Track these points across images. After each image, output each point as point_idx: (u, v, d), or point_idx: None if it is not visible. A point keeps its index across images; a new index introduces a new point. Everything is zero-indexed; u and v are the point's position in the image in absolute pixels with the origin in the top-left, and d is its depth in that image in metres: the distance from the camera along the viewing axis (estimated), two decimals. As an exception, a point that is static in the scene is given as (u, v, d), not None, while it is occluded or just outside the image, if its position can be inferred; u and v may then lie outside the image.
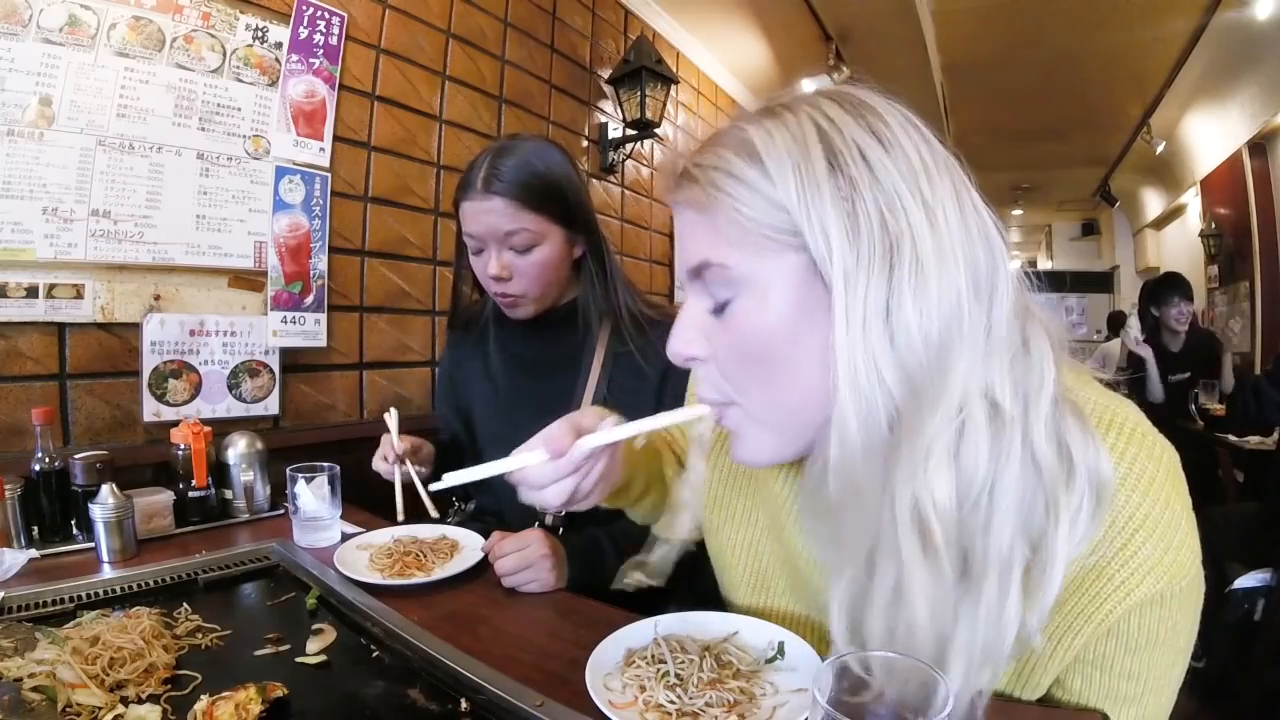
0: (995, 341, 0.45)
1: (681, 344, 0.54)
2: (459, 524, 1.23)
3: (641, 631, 0.68)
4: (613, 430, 0.60)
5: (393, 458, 1.07)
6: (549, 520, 1.10)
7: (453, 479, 0.61)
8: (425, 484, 1.05)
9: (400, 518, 1.06)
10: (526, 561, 0.88)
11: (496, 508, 1.21)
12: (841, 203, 0.46)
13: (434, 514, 1.04)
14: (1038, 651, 0.50)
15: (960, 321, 0.45)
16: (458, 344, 1.31)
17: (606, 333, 1.14)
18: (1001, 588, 0.43)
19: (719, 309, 0.51)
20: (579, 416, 0.62)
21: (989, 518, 0.44)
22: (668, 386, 1.10)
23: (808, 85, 3.49)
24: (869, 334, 0.45)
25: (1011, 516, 0.44)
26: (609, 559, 0.95)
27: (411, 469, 1.07)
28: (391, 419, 1.11)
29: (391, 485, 1.09)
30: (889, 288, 0.45)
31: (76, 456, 1.07)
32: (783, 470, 0.68)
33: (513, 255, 1.06)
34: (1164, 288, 3.20)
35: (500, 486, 1.18)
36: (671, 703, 0.57)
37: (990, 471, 0.44)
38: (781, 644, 0.65)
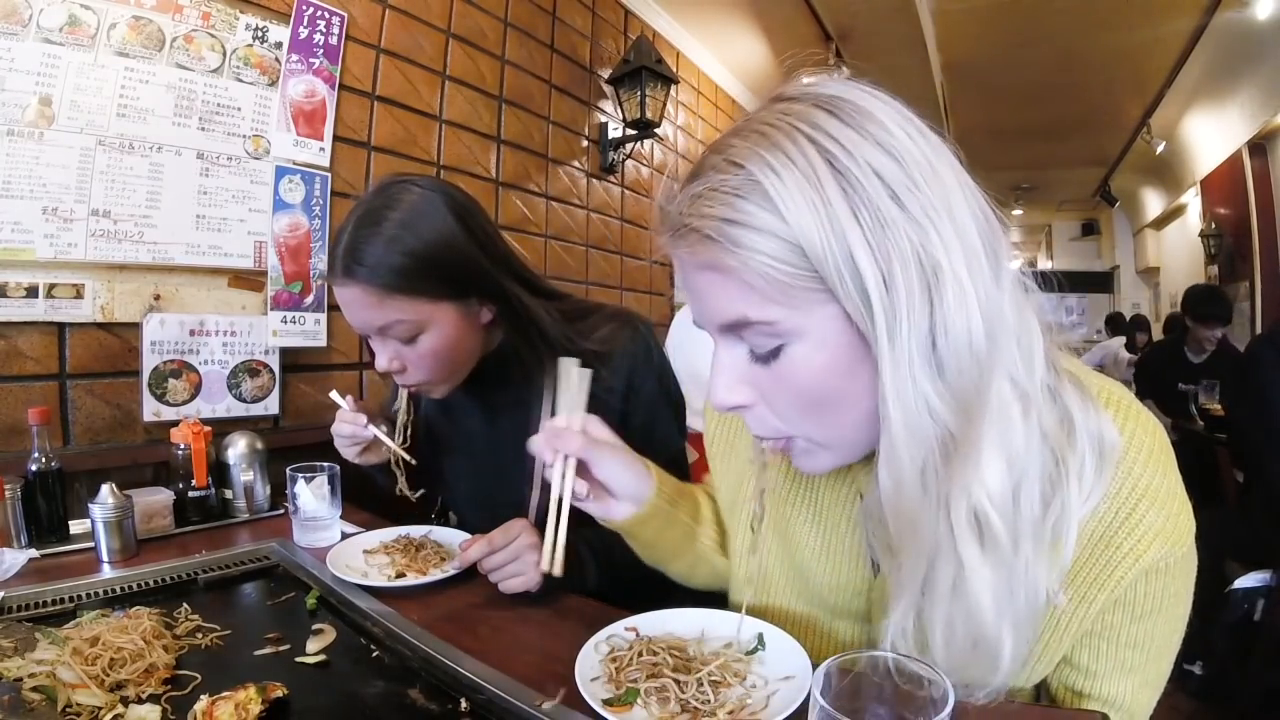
0: (1010, 321, 0.46)
1: (726, 394, 0.52)
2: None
3: (623, 632, 0.68)
4: None
5: (362, 420, 1.01)
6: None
7: None
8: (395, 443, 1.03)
9: (402, 487, 1.04)
10: (514, 554, 0.83)
11: (475, 523, 1.17)
12: (873, 248, 0.43)
13: (406, 458, 1.03)
14: (1061, 608, 0.52)
15: (997, 314, 0.45)
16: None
17: (552, 374, 0.98)
18: (1036, 549, 0.47)
19: (764, 357, 0.49)
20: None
21: (1018, 489, 0.46)
22: (632, 409, 1.00)
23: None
24: (915, 373, 0.45)
25: (1037, 482, 0.47)
26: (588, 567, 0.89)
27: (377, 431, 1.02)
28: (336, 397, 1.06)
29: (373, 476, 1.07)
30: (932, 319, 0.44)
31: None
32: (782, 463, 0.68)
33: (398, 345, 0.91)
34: (1207, 304, 3.11)
35: (464, 509, 1.17)
36: (676, 700, 0.57)
37: (1027, 448, 0.46)
38: (761, 635, 0.66)
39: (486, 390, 1.05)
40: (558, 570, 0.66)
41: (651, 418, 1.01)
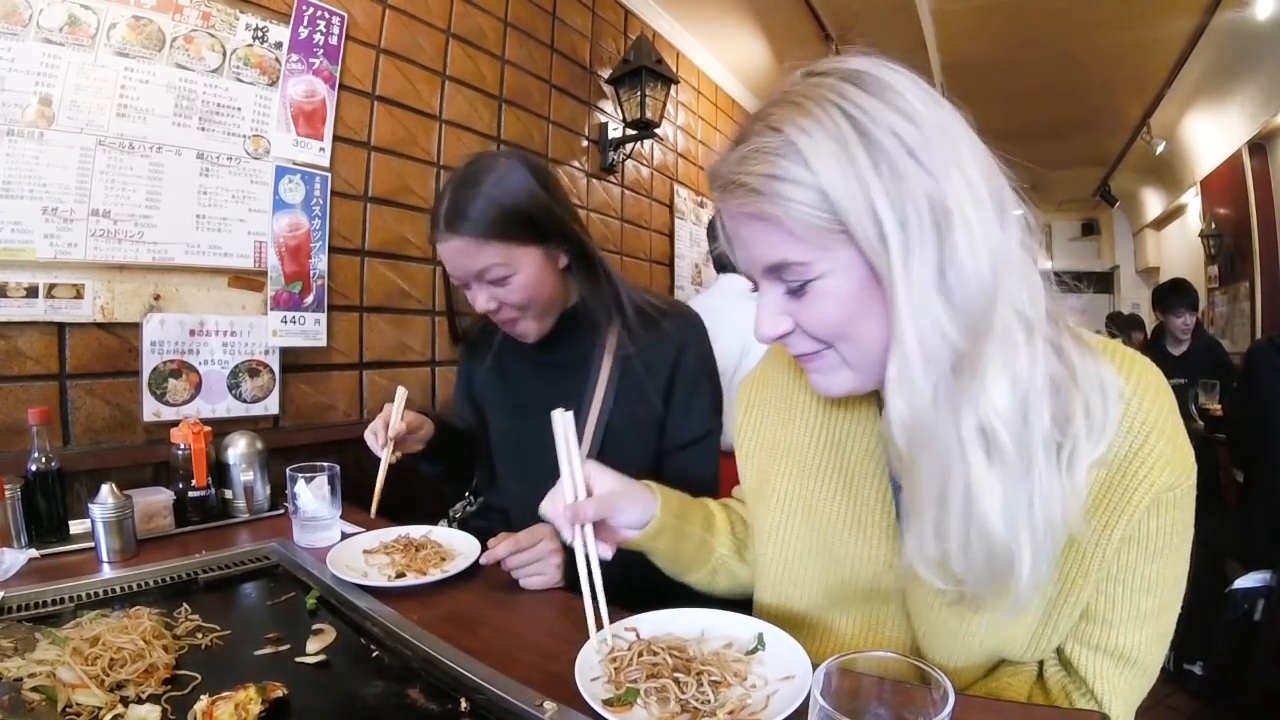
0: (1016, 259, 0.53)
1: (770, 328, 0.61)
2: (460, 522, 1.23)
3: (623, 632, 0.68)
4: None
5: (383, 438, 1.03)
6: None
7: None
8: (387, 479, 1.03)
9: (372, 510, 1.03)
10: (537, 555, 0.89)
11: (503, 505, 1.21)
12: (891, 196, 0.51)
13: (371, 512, 1.02)
14: (1082, 539, 0.56)
15: (1003, 253, 0.52)
16: (472, 350, 1.29)
17: (614, 332, 1.12)
18: (1048, 461, 0.52)
19: (797, 291, 0.58)
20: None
21: (1026, 406, 0.52)
22: (678, 378, 1.09)
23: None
24: (928, 297, 0.51)
25: (1048, 400, 0.52)
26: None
27: (388, 457, 1.03)
28: (399, 397, 1.07)
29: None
30: (941, 254, 0.51)
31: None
32: (817, 435, 0.73)
33: (493, 288, 1.04)
34: (1171, 295, 3.24)
35: (510, 485, 1.19)
36: (676, 700, 0.57)
37: (1031, 370, 0.52)
38: (761, 635, 0.66)
39: (550, 350, 1.15)
40: (607, 631, 0.69)
41: (692, 390, 1.11)
